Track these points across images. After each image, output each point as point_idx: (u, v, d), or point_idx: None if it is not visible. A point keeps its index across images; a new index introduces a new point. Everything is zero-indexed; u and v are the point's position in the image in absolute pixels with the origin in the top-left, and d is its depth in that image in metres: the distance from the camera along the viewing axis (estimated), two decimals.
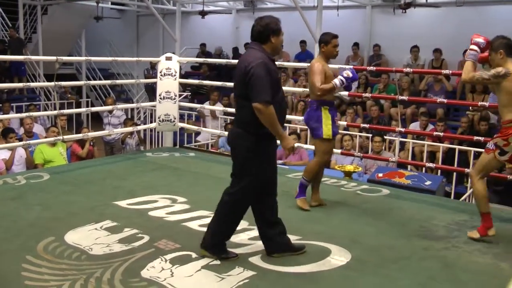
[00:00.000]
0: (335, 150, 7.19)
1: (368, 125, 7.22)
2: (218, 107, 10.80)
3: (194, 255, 3.77)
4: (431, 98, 9.80)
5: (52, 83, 6.87)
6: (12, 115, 9.55)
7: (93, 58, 8.74)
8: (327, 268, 3.66)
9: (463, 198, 6.87)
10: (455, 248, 4.15)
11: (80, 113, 12.68)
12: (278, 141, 3.78)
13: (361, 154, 6.80)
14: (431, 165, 6.39)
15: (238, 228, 4.27)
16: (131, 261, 3.63)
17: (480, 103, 6.69)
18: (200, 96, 13.78)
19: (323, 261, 3.76)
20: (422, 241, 4.29)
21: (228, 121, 10.22)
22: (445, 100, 6.92)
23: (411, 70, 6.97)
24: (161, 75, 7.58)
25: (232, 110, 10.04)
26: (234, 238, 4.12)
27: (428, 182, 6.23)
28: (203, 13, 15.49)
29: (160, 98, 7.57)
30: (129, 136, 9.69)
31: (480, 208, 4.36)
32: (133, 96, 17.08)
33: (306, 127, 9.30)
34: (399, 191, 5.81)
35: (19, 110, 11.50)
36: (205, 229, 4.33)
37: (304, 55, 13.29)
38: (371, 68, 7.40)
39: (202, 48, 15.66)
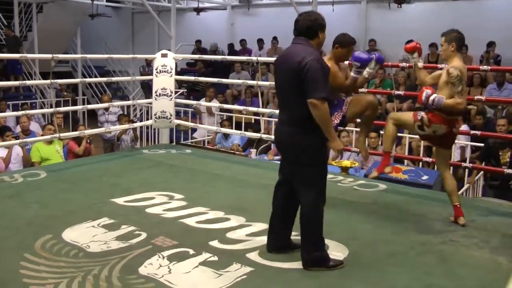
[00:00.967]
0: None
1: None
2: (214, 104, 10.81)
3: (191, 251, 3.77)
4: None
5: (48, 81, 6.85)
6: (8, 113, 9.52)
7: (88, 56, 8.69)
8: None
9: (460, 192, 6.86)
10: (452, 242, 4.16)
11: (76, 110, 12.67)
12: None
13: (358, 150, 6.80)
14: (428, 159, 6.39)
15: (235, 224, 4.30)
16: (128, 258, 3.63)
17: (476, 97, 6.68)
18: (196, 93, 13.77)
19: None
20: (419, 236, 4.29)
21: (225, 118, 10.20)
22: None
23: (407, 64, 6.96)
24: (156, 72, 7.57)
25: (228, 106, 10.15)
26: (232, 235, 4.13)
27: (425, 177, 6.24)
28: (198, 10, 15.49)
29: (156, 95, 7.56)
30: (124, 132, 9.70)
31: (384, 147, 4.72)
32: (129, 93, 17.05)
33: None
34: (396, 186, 5.82)
35: (15, 108, 11.48)
36: (202, 225, 4.37)
37: None
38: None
39: (198, 44, 15.65)
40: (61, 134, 6.99)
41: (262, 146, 8.62)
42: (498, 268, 3.69)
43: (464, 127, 8.97)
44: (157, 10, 15.81)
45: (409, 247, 4.04)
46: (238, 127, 9.61)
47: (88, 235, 4.07)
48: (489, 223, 4.68)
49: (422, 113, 4.55)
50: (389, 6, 12.97)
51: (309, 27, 3.64)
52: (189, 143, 9.58)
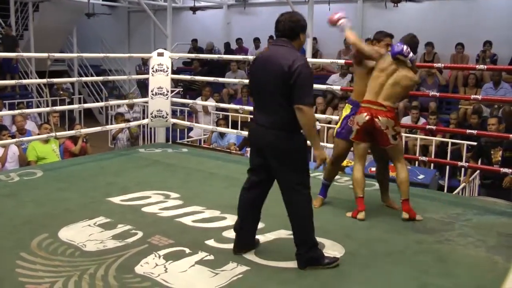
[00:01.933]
0: (327, 145, 7.22)
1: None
2: (211, 103, 10.80)
3: (187, 250, 3.77)
4: (424, 92, 9.83)
5: (44, 80, 6.84)
6: (4, 112, 9.50)
7: (84, 55, 8.68)
8: None
9: (456, 191, 6.89)
10: (449, 241, 4.17)
11: (72, 109, 12.65)
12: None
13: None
14: (423, 158, 6.41)
15: (231, 223, 4.28)
16: (124, 257, 3.63)
17: (472, 97, 6.70)
18: (192, 92, 13.77)
19: None
20: (416, 234, 4.30)
21: (221, 117, 10.20)
22: (437, 94, 6.93)
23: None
24: (153, 71, 7.56)
25: (224, 105, 10.15)
26: (228, 233, 4.13)
27: (421, 176, 6.25)
28: (194, 9, 15.48)
29: (152, 94, 7.55)
30: (120, 131, 9.71)
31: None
32: (125, 92, 17.01)
33: None
34: (392, 185, 5.79)
35: (11, 107, 11.46)
36: (198, 224, 4.37)
37: None
38: None
39: (194, 43, 15.64)
40: (57, 133, 6.98)
41: None
42: (494, 267, 3.69)
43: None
44: (153, 9, 15.78)
45: (405, 246, 4.05)
46: (234, 126, 9.62)
47: (84, 234, 4.06)
48: (485, 222, 4.69)
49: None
50: (385, 5, 12.97)
51: (292, 28, 3.58)
52: (185, 142, 9.58)
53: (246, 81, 9.40)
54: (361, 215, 4.62)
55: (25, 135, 8.46)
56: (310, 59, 10.12)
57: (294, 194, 3.59)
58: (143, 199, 5.02)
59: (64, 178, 5.83)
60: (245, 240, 3.83)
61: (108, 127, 8.85)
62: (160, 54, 7.62)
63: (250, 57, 8.73)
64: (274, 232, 4.16)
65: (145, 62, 14.15)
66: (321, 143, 7.43)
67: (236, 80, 9.16)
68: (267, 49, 4.14)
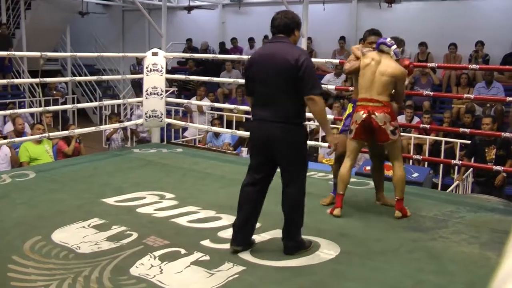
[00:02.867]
0: (322, 144, 7.23)
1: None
2: (205, 103, 10.79)
3: (183, 251, 3.77)
4: (418, 91, 9.86)
5: (37, 80, 6.82)
6: None
7: (78, 54, 8.64)
8: (316, 262, 3.67)
9: (450, 189, 6.92)
10: (443, 239, 4.18)
11: (66, 109, 12.62)
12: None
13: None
14: (418, 157, 6.42)
15: (227, 223, 4.29)
16: (119, 259, 3.62)
17: (465, 96, 6.73)
18: (186, 92, 13.75)
19: (312, 255, 3.77)
20: (410, 232, 4.31)
21: (215, 116, 10.20)
22: (431, 93, 6.95)
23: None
24: (147, 71, 7.54)
25: (219, 105, 10.14)
26: (223, 234, 4.13)
27: (415, 174, 6.26)
28: (189, 8, 15.45)
29: (147, 94, 7.53)
30: (115, 132, 9.67)
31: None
32: (120, 92, 16.98)
33: None
34: (386, 184, 5.80)
35: (2, 107, 11.40)
36: (193, 225, 4.36)
37: None
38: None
39: (188, 43, 15.62)
40: (51, 134, 6.96)
41: None
42: (488, 263, 3.71)
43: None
44: (147, 8, 15.74)
45: (400, 244, 4.06)
46: (229, 126, 9.61)
47: (78, 236, 4.04)
48: (478, 219, 4.71)
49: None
50: (379, 5, 12.98)
51: (287, 25, 3.76)
52: (180, 142, 9.57)
53: (241, 80, 9.40)
54: (337, 212, 4.67)
55: (20, 136, 8.42)
56: None
57: (295, 184, 3.75)
58: (138, 200, 5.01)
59: (57, 179, 5.81)
60: (246, 236, 3.87)
61: (102, 127, 8.83)
62: (155, 54, 7.60)
63: (245, 57, 8.71)
64: (269, 232, 4.16)
65: (139, 61, 14.11)
66: (316, 142, 7.54)
67: (231, 80, 9.15)
68: (262, 48, 4.20)
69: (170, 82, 13.08)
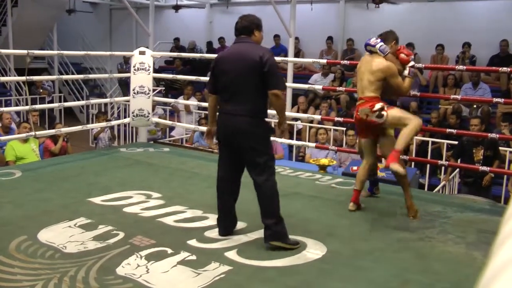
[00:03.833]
0: (309, 144, 7.26)
1: (342, 118, 7.24)
2: (192, 102, 10.76)
3: (169, 250, 3.76)
4: None
5: (24, 78, 6.77)
6: None
7: (65, 52, 8.58)
8: (302, 261, 3.68)
9: (436, 189, 6.95)
10: (429, 238, 4.21)
11: (52, 108, 12.54)
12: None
13: (336, 148, 6.84)
14: (404, 157, 6.44)
15: (213, 223, 4.29)
16: (106, 259, 3.60)
17: (452, 96, 6.77)
18: (173, 91, 13.72)
19: (299, 254, 3.78)
20: (397, 232, 4.33)
21: (203, 116, 10.17)
22: (418, 93, 6.97)
23: None
24: (134, 70, 7.52)
25: (206, 104, 10.10)
26: (210, 233, 4.13)
27: None
28: (176, 7, 15.41)
29: (134, 93, 7.51)
30: (102, 131, 9.62)
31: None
32: (107, 91, 16.90)
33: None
34: (386, 186, 5.84)
35: None
36: (180, 224, 4.35)
37: (278, 49, 13.30)
38: (345, 62, 7.43)
39: (176, 42, 15.58)
40: (37, 132, 6.91)
41: None
42: (473, 263, 3.74)
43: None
44: (135, 7, 15.70)
45: (387, 244, 4.08)
46: None
47: (65, 235, 4.02)
48: (464, 219, 4.74)
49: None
50: (367, 6, 13.03)
51: (246, 26, 4.07)
52: (167, 142, 9.54)
53: None
54: (350, 206, 4.86)
55: (8, 133, 8.36)
56: (292, 59, 10.21)
57: (263, 175, 3.90)
58: (125, 199, 4.99)
59: (44, 179, 5.78)
60: (231, 221, 4.17)
61: (89, 126, 8.78)
62: (142, 53, 7.58)
63: None
64: (256, 231, 4.16)
65: (126, 60, 14.07)
66: (304, 142, 7.55)
67: None
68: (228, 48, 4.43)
69: (157, 81, 13.05)
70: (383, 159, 5.39)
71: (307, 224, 4.42)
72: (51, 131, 7.52)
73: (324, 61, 7.82)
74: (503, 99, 6.04)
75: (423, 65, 6.93)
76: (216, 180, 4.16)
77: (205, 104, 10.01)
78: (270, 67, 3.84)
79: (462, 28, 11.88)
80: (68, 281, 3.25)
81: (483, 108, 9.56)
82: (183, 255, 3.70)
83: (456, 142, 7.21)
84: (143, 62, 7.49)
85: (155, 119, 8.16)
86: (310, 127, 9.46)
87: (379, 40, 4.87)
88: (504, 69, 5.43)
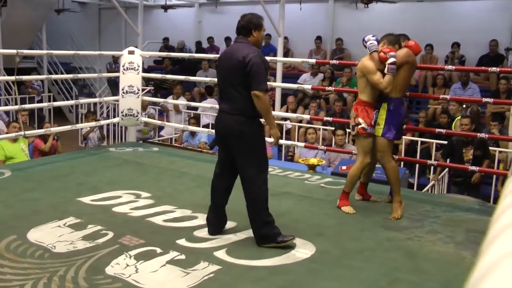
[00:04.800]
0: (298, 143, 7.27)
1: (331, 118, 7.27)
2: (182, 102, 10.76)
3: (158, 250, 3.76)
4: None
5: (13, 77, 6.74)
6: None
7: (54, 52, 8.54)
8: (291, 261, 3.69)
9: (425, 189, 6.99)
10: (418, 238, 4.23)
11: (42, 108, 12.49)
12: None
13: (325, 147, 6.86)
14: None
15: (203, 222, 4.29)
16: (95, 258, 3.60)
17: (441, 96, 6.79)
18: (163, 91, 13.70)
19: (288, 254, 3.78)
20: (386, 232, 4.35)
21: (192, 115, 10.17)
22: (408, 93, 6.99)
23: None
24: (123, 69, 7.49)
25: (195, 104, 10.11)
26: (199, 233, 4.13)
27: None
28: (165, 7, 15.39)
29: (123, 93, 7.49)
30: (92, 131, 9.59)
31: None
32: (96, 90, 16.86)
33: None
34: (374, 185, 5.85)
35: None
36: (169, 224, 4.35)
37: (268, 49, 13.31)
38: (334, 61, 7.45)
39: (165, 42, 15.57)
40: (27, 132, 6.88)
41: None
42: (462, 262, 3.76)
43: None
44: (124, 7, 15.65)
45: (376, 243, 4.09)
46: (205, 125, 9.60)
47: (54, 235, 4.01)
48: (453, 219, 4.76)
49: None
50: (356, 6, 13.07)
51: (243, 26, 4.07)
52: (156, 141, 9.53)
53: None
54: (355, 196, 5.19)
55: None
56: (281, 58, 10.21)
57: (250, 176, 3.94)
58: (114, 199, 4.98)
59: (33, 178, 5.75)
60: (221, 220, 4.20)
61: (79, 125, 8.75)
62: (131, 52, 7.56)
63: None
64: (245, 231, 4.16)
65: (115, 60, 14.04)
66: (293, 142, 7.56)
67: (208, 79, 9.13)
68: (226, 48, 4.50)
69: (146, 81, 13.03)
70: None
71: (296, 224, 4.43)
72: (41, 131, 7.49)
73: (313, 60, 7.82)
74: (492, 99, 6.07)
75: None
76: (214, 176, 4.23)
77: (194, 104, 10.06)
78: (252, 68, 3.83)
79: (451, 28, 11.95)
80: (57, 280, 3.24)
81: (472, 108, 9.61)
82: (172, 254, 3.70)
83: (445, 142, 7.24)
84: (132, 61, 7.47)
85: (144, 119, 8.14)
86: (299, 127, 9.47)
87: (373, 37, 4.90)
88: (494, 69, 5.46)
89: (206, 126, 9.91)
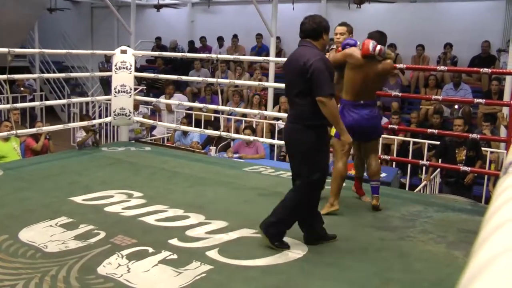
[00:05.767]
0: None
1: None
2: (174, 101, 10.74)
3: (150, 250, 3.75)
4: (386, 92, 9.95)
5: (5, 76, 6.71)
6: None
7: (46, 51, 8.53)
8: (284, 261, 3.68)
9: (417, 189, 7.00)
10: (410, 238, 4.24)
11: (34, 107, 12.44)
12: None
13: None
14: (386, 157, 6.48)
15: (195, 221, 4.29)
16: (87, 258, 3.58)
17: (433, 97, 6.82)
18: (155, 90, 13.68)
19: (280, 254, 3.78)
20: (378, 232, 4.36)
21: (184, 115, 10.16)
22: (400, 94, 7.02)
23: None
24: (116, 69, 7.48)
25: (188, 103, 10.10)
26: (191, 232, 4.12)
27: (383, 174, 6.31)
28: (158, 6, 15.37)
29: (115, 92, 7.47)
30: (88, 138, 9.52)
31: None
32: (88, 89, 16.79)
33: (261, 120, 9.38)
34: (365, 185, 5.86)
35: None
36: (161, 223, 4.34)
37: (260, 49, 13.31)
38: None
39: (157, 41, 15.53)
40: (18, 131, 6.85)
41: (222, 144, 8.63)
42: (454, 262, 3.77)
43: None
44: (116, 6, 15.61)
45: (368, 243, 4.10)
46: (197, 124, 9.59)
47: (46, 234, 3.99)
48: (445, 219, 4.78)
49: None
50: (348, 6, 13.09)
51: (314, 29, 3.91)
52: (149, 141, 9.51)
53: (210, 79, 9.44)
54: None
55: None
56: (273, 58, 10.22)
57: (297, 184, 3.89)
58: (106, 199, 4.97)
59: (25, 178, 5.73)
60: (309, 232, 4.05)
61: (70, 125, 8.73)
62: (123, 52, 7.54)
63: (214, 56, 8.71)
64: (237, 231, 4.17)
65: (108, 59, 13.99)
66: None
67: (200, 79, 9.14)
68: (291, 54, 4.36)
69: (138, 80, 13.00)
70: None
71: None
72: (32, 130, 7.46)
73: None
74: (484, 100, 6.10)
75: (405, 66, 6.97)
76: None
77: (187, 103, 10.05)
78: (314, 73, 3.69)
79: (443, 29, 11.99)
80: (49, 280, 3.23)
81: (464, 109, 9.65)
82: (164, 254, 3.69)
83: (437, 142, 7.27)
84: (125, 61, 7.46)
85: (137, 118, 8.12)
86: None
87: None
88: (485, 70, 5.48)
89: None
